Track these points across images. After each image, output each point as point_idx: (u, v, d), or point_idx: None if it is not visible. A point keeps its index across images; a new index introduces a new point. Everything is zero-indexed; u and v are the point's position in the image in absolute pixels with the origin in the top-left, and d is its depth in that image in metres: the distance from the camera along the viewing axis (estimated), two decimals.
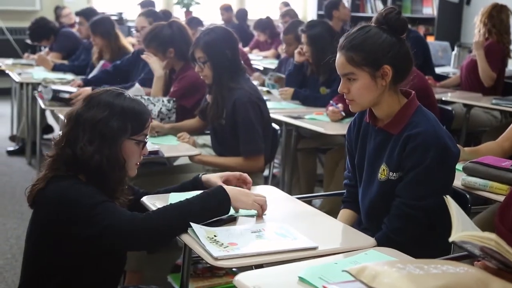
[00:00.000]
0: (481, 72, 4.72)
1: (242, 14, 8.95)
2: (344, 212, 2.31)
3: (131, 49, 4.86)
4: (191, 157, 3.11)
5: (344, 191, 2.37)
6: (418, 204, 2.00)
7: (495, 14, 4.78)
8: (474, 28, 4.91)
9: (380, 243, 1.90)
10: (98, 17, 5.29)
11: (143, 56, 3.73)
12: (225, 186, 2.00)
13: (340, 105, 3.62)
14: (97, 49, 5.16)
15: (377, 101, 2.06)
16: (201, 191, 2.00)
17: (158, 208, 1.90)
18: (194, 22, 6.20)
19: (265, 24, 7.65)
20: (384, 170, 2.08)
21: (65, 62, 5.93)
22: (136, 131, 1.95)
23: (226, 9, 8.72)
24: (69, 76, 5.17)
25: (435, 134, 2.00)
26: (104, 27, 4.95)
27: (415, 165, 1.99)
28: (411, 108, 2.07)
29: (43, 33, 6.21)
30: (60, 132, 1.97)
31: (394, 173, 2.05)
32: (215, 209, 1.94)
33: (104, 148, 1.88)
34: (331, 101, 3.73)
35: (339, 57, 2.05)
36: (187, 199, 1.91)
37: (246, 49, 7.34)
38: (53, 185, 1.87)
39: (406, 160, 2.01)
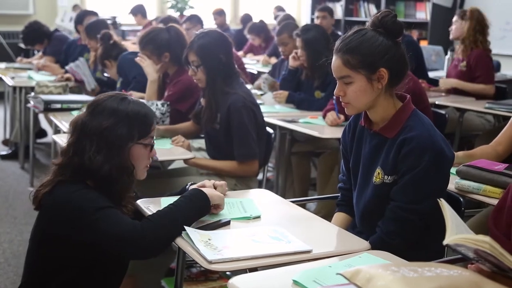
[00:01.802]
0: (478, 93, 4.69)
1: (247, 19, 8.88)
2: (338, 216, 2.31)
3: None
4: (185, 160, 3.11)
5: (338, 194, 2.37)
6: (413, 207, 2.00)
7: (477, 23, 4.74)
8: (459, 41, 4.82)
9: (374, 246, 1.90)
10: (93, 20, 5.29)
11: (137, 59, 3.71)
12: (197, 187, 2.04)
13: (342, 116, 3.60)
14: (93, 52, 5.17)
15: (372, 104, 2.06)
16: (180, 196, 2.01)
17: (153, 215, 1.90)
18: (195, 19, 6.24)
19: (260, 28, 7.63)
20: (379, 173, 2.08)
21: (58, 65, 5.89)
22: (142, 135, 1.96)
23: (219, 13, 8.70)
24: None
25: (430, 138, 2.00)
26: (98, 30, 4.95)
27: (410, 168, 1.99)
28: (406, 112, 2.07)
29: (37, 37, 6.18)
30: (66, 141, 1.96)
31: (389, 177, 2.05)
32: (202, 209, 1.97)
33: (113, 156, 1.88)
34: (333, 99, 3.67)
35: (335, 60, 2.05)
36: (173, 204, 1.93)
37: (240, 53, 7.31)
38: (59, 189, 1.88)
39: (401, 164, 2.01)
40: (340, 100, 2.09)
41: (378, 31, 2.04)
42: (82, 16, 5.97)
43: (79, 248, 1.84)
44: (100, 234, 1.79)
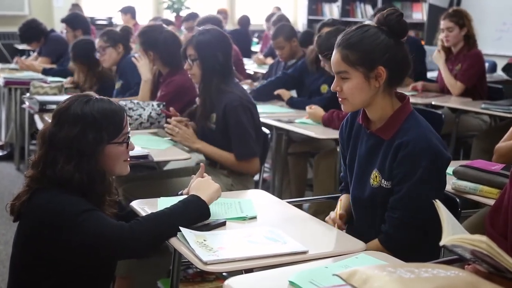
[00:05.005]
0: (449, 86, 4.69)
1: (245, 20, 8.86)
2: (346, 195, 2.29)
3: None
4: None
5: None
6: (418, 216, 1.98)
7: (467, 22, 4.74)
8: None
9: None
10: (79, 41, 4.85)
11: (133, 59, 3.72)
12: (196, 191, 2.01)
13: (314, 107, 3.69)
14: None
15: (369, 102, 2.03)
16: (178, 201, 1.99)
17: (143, 216, 1.90)
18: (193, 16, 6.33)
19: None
20: (376, 176, 2.06)
21: (54, 66, 5.88)
22: (114, 135, 1.91)
23: (224, 14, 8.73)
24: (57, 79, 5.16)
25: (426, 141, 1.97)
26: (83, 53, 4.62)
27: (408, 176, 1.96)
28: (403, 113, 2.04)
29: (34, 35, 6.14)
30: (36, 153, 1.92)
31: (387, 182, 2.03)
32: (198, 217, 1.95)
33: (83, 164, 1.84)
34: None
35: (335, 55, 2.03)
36: (168, 208, 1.91)
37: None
38: (39, 195, 1.85)
39: (397, 169, 1.99)
40: (338, 95, 2.07)
41: (382, 29, 2.01)
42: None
43: (65, 251, 1.81)
44: (88, 235, 1.77)
